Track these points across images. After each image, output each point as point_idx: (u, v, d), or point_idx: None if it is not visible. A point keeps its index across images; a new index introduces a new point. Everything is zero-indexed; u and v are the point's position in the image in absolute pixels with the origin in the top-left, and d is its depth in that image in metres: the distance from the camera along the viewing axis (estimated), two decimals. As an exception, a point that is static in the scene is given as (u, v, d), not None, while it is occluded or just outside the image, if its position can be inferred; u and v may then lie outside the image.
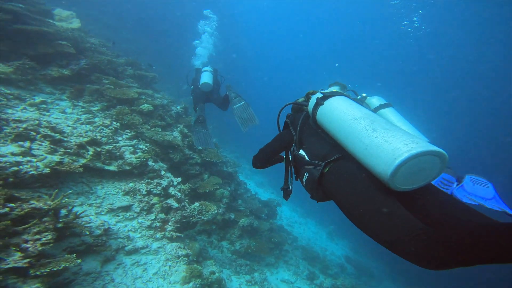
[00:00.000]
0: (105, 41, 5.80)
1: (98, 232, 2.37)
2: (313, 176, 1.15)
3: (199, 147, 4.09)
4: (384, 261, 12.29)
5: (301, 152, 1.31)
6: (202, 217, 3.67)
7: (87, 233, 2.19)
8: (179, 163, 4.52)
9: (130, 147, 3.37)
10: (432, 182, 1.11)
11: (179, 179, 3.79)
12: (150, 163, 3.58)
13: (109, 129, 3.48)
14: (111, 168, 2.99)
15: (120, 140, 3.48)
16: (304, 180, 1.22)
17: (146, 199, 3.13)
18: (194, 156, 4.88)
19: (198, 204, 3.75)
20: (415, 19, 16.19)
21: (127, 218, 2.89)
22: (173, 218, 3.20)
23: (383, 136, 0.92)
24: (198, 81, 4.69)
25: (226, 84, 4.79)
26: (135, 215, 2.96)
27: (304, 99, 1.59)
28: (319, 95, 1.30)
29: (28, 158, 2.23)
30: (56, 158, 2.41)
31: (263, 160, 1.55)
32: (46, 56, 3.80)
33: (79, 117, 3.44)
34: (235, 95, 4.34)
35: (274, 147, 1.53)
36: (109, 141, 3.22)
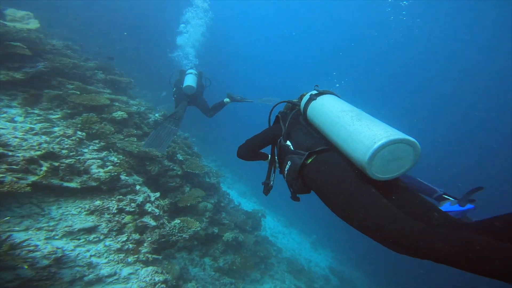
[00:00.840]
0: (71, 44, 5.27)
1: (45, 262, 1.93)
2: (295, 164, 1.16)
3: (146, 146, 3.71)
4: (366, 272, 12.65)
5: (287, 142, 1.34)
6: (183, 235, 3.32)
7: (25, 267, 1.75)
8: (157, 175, 4.13)
9: (98, 160, 2.96)
10: None
11: (157, 194, 3.42)
12: (123, 177, 3.18)
13: (71, 139, 3.02)
14: (72, 185, 2.55)
15: (86, 153, 3.04)
16: (286, 169, 1.23)
17: (116, 218, 2.72)
18: (175, 168, 4.53)
19: (178, 221, 3.41)
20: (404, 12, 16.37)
21: (90, 241, 2.45)
22: (150, 238, 2.83)
23: (366, 124, 0.97)
24: (182, 83, 4.53)
25: (227, 93, 4.65)
26: (102, 237, 2.54)
27: (297, 99, 1.64)
28: (313, 91, 1.37)
29: None
30: None
31: (248, 150, 1.56)
32: None
33: (33, 126, 2.92)
34: (241, 98, 4.45)
35: (261, 138, 1.54)
36: (71, 153, 2.78)
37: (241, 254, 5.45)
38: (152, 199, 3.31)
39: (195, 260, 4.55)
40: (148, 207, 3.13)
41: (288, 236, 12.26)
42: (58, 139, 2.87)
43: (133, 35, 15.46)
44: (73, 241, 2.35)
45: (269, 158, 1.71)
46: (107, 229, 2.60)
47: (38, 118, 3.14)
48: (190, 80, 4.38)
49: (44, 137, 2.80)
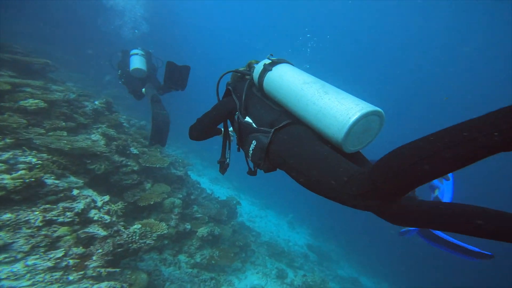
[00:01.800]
0: None
1: None
2: (262, 143, 1.11)
3: (151, 143, 3.58)
4: (340, 244, 14.12)
5: (248, 119, 1.26)
6: (147, 241, 2.83)
7: None
8: (106, 174, 3.39)
9: (1, 164, 2.13)
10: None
11: (106, 198, 2.78)
12: (49, 181, 2.43)
13: None
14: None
15: (-19, 152, 2.16)
16: (251, 149, 1.16)
17: (43, 232, 2.06)
18: (128, 163, 3.81)
19: (139, 226, 2.88)
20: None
21: None
22: (100, 250, 2.27)
23: (335, 98, 0.94)
24: (128, 66, 3.98)
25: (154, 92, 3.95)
26: (20, 256, 1.89)
27: (245, 68, 1.52)
28: (266, 61, 1.26)
29: None
30: None
31: (201, 130, 1.44)
32: None
33: None
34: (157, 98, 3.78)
35: (214, 116, 1.42)
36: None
37: (219, 247, 5.22)
38: (99, 204, 2.67)
39: (168, 259, 4.11)
40: (94, 214, 2.51)
41: (265, 218, 12.58)
42: None
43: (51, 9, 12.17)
44: None
45: (222, 131, 1.58)
46: (29, 246, 1.94)
47: None
48: (137, 62, 3.94)
49: None
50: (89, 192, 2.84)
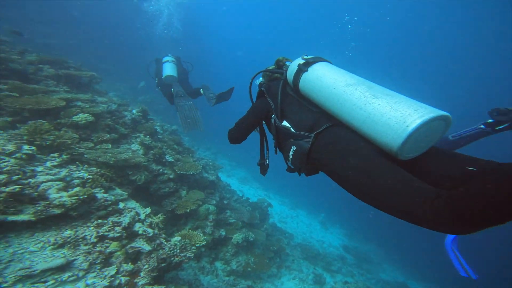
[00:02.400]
0: None
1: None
2: (302, 149, 1.10)
3: (186, 132, 3.92)
4: (380, 244, 13.01)
5: (285, 123, 1.25)
6: (187, 254, 2.88)
7: None
8: (146, 183, 3.57)
9: (58, 182, 2.33)
10: None
11: (148, 210, 2.89)
12: (99, 195, 2.60)
13: (14, 157, 2.35)
14: (22, 217, 1.97)
15: (40, 172, 2.39)
16: (290, 154, 1.16)
17: (98, 248, 2.20)
18: (165, 171, 3.95)
19: (179, 238, 2.94)
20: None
21: (64, 281, 1.94)
22: (146, 266, 2.36)
23: (387, 103, 0.88)
24: (161, 74, 4.33)
25: (203, 84, 4.47)
26: (81, 274, 2.03)
27: (274, 66, 1.51)
28: (300, 61, 1.22)
29: None
30: None
31: (239, 134, 1.48)
32: None
33: None
34: (213, 95, 4.18)
35: (250, 120, 1.45)
36: (15, 177, 2.14)
37: (254, 253, 5.20)
38: (142, 217, 2.79)
39: (206, 267, 4.23)
40: (139, 227, 2.61)
41: (296, 219, 12.33)
42: None
43: (94, 23, 13.63)
44: (36, 285, 1.84)
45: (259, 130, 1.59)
46: (87, 263, 2.09)
47: None
48: (169, 70, 4.27)
49: None
50: (133, 203, 2.99)
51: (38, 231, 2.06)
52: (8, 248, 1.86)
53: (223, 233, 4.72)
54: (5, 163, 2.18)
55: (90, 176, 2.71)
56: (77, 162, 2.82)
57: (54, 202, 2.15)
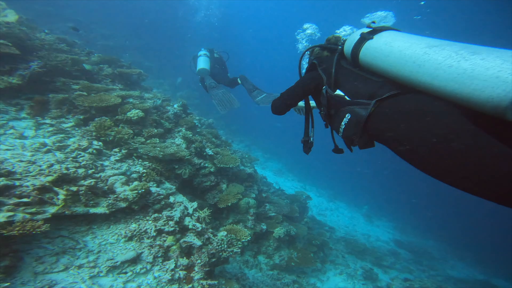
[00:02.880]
0: (64, 37, 4.80)
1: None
2: (358, 116, 1.06)
3: (223, 112, 4.13)
4: (440, 238, 11.57)
5: (339, 92, 1.22)
6: (234, 249, 2.93)
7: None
8: (190, 177, 3.73)
9: (122, 177, 2.56)
10: None
11: (195, 204, 3.01)
12: (153, 189, 2.80)
13: (88, 152, 2.67)
14: (100, 210, 2.22)
15: (107, 166, 2.67)
16: (343, 123, 1.14)
17: (158, 242, 2.38)
18: (206, 165, 4.07)
19: (224, 233, 3.00)
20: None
21: (138, 273, 2.17)
22: (199, 261, 2.47)
23: (496, 56, 0.77)
24: (195, 68, 4.56)
25: (240, 75, 4.58)
26: (149, 266, 2.24)
27: (326, 43, 1.52)
28: (364, 29, 1.20)
29: None
30: (0, 217, 1.64)
31: (284, 105, 1.51)
32: None
33: (45, 141, 2.63)
34: (253, 87, 4.23)
35: (298, 91, 1.47)
36: (90, 171, 2.41)
37: (296, 248, 5.13)
38: (190, 211, 2.91)
39: (249, 261, 4.36)
40: (188, 222, 2.74)
41: (336, 211, 11.81)
42: (74, 154, 2.54)
43: (139, 24, 14.81)
44: (120, 276, 2.09)
45: (303, 108, 1.66)
46: (151, 256, 2.28)
47: (51, 129, 2.84)
48: (201, 63, 4.46)
49: (58, 154, 2.48)
50: (180, 197, 3.16)
51: (112, 224, 2.32)
52: (95, 239, 2.14)
53: (264, 227, 4.74)
54: (82, 158, 2.48)
55: (145, 171, 2.92)
56: (133, 157, 3.07)
57: (120, 195, 2.37)
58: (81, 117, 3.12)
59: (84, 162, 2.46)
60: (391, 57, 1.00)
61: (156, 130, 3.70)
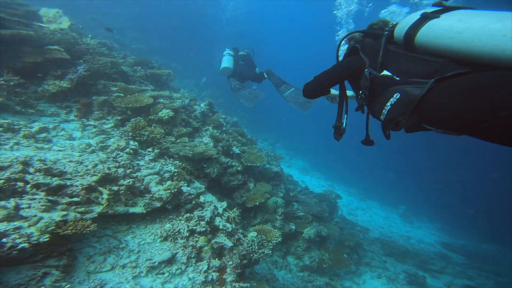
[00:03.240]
0: (104, 41, 5.15)
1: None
2: (410, 95, 1.02)
3: (250, 106, 4.26)
4: (503, 243, 10.11)
5: (386, 72, 1.19)
6: (265, 251, 2.85)
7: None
8: (218, 175, 3.74)
9: (156, 176, 2.65)
10: None
11: (224, 204, 2.99)
12: (184, 188, 2.85)
13: (126, 152, 2.82)
14: (138, 209, 2.32)
15: (143, 166, 2.79)
16: (389, 104, 1.10)
17: (191, 243, 2.42)
18: (233, 164, 4.04)
19: (255, 234, 2.93)
20: None
21: (174, 274, 2.23)
22: (231, 263, 2.44)
23: None
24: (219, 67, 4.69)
25: (266, 69, 4.60)
26: (183, 267, 2.29)
27: (367, 29, 1.50)
28: (427, 10, 1.15)
29: (16, 224, 1.63)
30: (56, 216, 1.78)
31: (318, 88, 1.48)
32: (37, 67, 3.22)
33: (90, 142, 2.85)
34: (280, 81, 4.21)
35: (335, 74, 1.43)
36: (128, 170, 2.54)
37: (327, 249, 4.89)
38: (220, 211, 2.90)
39: (278, 262, 4.27)
40: (219, 222, 2.73)
41: (368, 211, 11.08)
42: (114, 154, 2.70)
43: (167, 26, 15.58)
44: (159, 276, 2.17)
45: (337, 97, 1.67)
46: (185, 257, 2.33)
47: (94, 130, 3.10)
48: (224, 62, 4.56)
49: (101, 154, 2.67)
50: (210, 197, 3.17)
51: (148, 223, 2.42)
52: (135, 239, 2.26)
53: (293, 227, 4.59)
54: (121, 158, 2.63)
55: (176, 170, 2.99)
56: (165, 156, 3.17)
57: (155, 195, 2.45)
58: (119, 117, 3.32)
59: (122, 162, 2.59)
60: (466, 34, 0.95)
61: (185, 129, 3.77)
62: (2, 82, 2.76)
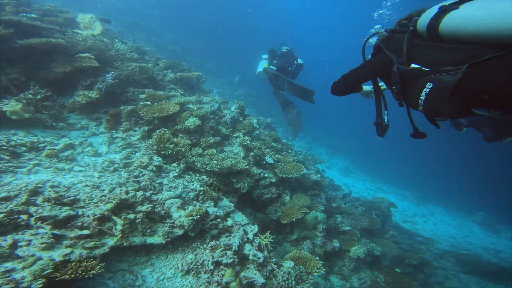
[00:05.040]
0: (137, 45, 5.19)
1: None
2: (444, 83, 1.03)
3: (295, 139, 4.69)
4: None
5: (414, 65, 1.20)
6: (304, 286, 2.27)
7: None
8: (249, 189, 3.30)
9: (177, 200, 2.34)
10: None
11: (255, 228, 2.52)
12: (211, 209, 2.50)
13: (149, 170, 2.61)
14: (157, 240, 2.06)
15: (166, 185, 2.53)
16: (423, 94, 1.11)
17: (216, 278, 2.05)
18: (267, 175, 3.52)
19: (291, 264, 2.38)
20: None
21: None
22: (262, 306, 1.97)
23: None
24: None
25: (274, 89, 4.73)
26: None
27: (395, 27, 1.46)
28: (445, 2, 1.17)
29: (8, 265, 1.47)
30: (57, 255, 1.59)
31: (346, 86, 1.48)
32: (67, 77, 3.14)
33: (115, 157, 2.70)
34: (287, 103, 4.57)
35: (363, 72, 1.45)
36: (149, 193, 2.30)
37: (381, 268, 3.98)
38: (251, 236, 2.44)
39: (320, 284, 3.63)
40: (249, 251, 2.28)
41: (431, 218, 9.08)
42: (136, 172, 2.50)
43: (201, 26, 15.90)
44: None
45: (372, 93, 1.80)
46: None
47: (121, 144, 2.92)
48: (260, 66, 4.86)
49: (123, 173, 2.45)
50: (240, 216, 2.75)
51: (169, 253, 2.14)
52: (153, 273, 1.98)
53: (337, 245, 3.83)
54: (142, 177, 2.43)
55: (202, 188, 2.66)
56: (191, 172, 2.88)
57: (176, 222, 2.16)
58: (146, 128, 3.17)
59: (144, 183, 2.38)
60: (489, 19, 0.96)
61: (213, 139, 3.43)
62: (30, 96, 2.66)
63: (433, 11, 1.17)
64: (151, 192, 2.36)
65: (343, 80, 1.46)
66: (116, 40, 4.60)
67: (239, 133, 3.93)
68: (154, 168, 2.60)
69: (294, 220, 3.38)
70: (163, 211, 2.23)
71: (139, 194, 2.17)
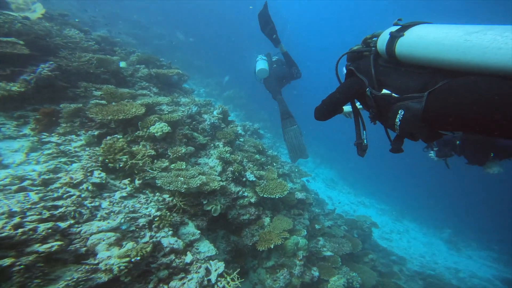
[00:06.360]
0: (105, 35, 4.41)
1: None
2: (413, 110, 1.05)
3: (293, 162, 4.19)
4: None
5: (385, 91, 1.21)
6: None
7: None
8: (224, 211, 2.72)
9: (110, 234, 1.67)
10: None
11: (221, 266, 1.95)
12: (165, 240, 1.89)
13: (81, 189, 1.88)
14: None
15: (102, 211, 1.85)
16: (397, 120, 1.12)
17: None
18: (246, 194, 2.97)
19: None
20: None
21: None
22: None
23: None
24: (255, 71, 4.59)
25: (278, 97, 4.42)
26: None
27: (361, 46, 1.50)
28: (392, 28, 1.21)
29: None
30: None
31: (326, 111, 1.50)
32: None
33: (33, 169, 1.91)
34: (288, 115, 4.19)
35: (339, 97, 1.45)
36: (65, 224, 1.61)
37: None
38: (214, 278, 1.87)
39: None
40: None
41: (406, 235, 9.07)
42: (59, 193, 1.74)
43: (191, 23, 15.00)
44: None
45: (351, 113, 1.79)
46: None
47: (51, 151, 2.12)
48: (260, 64, 4.48)
49: (32, 194, 1.66)
50: (206, 246, 2.17)
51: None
52: None
53: (316, 274, 3.37)
54: (65, 201, 1.72)
55: (158, 214, 2.04)
56: (147, 191, 2.24)
57: (100, 265, 1.51)
58: (96, 133, 2.47)
59: (62, 209, 1.68)
60: (431, 49, 0.99)
61: (184, 150, 2.80)
62: None
63: (386, 35, 1.20)
64: (70, 222, 1.67)
65: (323, 105, 1.48)
66: (76, 19, 3.78)
67: (218, 143, 3.35)
68: (90, 187, 1.91)
69: (272, 246, 2.86)
70: (83, 249, 1.57)
71: (42, 226, 1.48)
